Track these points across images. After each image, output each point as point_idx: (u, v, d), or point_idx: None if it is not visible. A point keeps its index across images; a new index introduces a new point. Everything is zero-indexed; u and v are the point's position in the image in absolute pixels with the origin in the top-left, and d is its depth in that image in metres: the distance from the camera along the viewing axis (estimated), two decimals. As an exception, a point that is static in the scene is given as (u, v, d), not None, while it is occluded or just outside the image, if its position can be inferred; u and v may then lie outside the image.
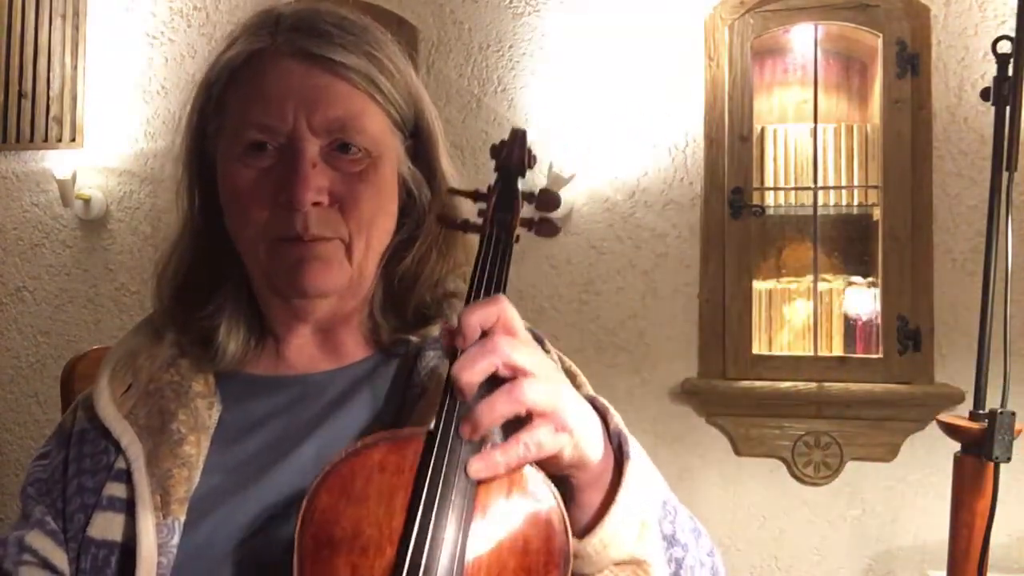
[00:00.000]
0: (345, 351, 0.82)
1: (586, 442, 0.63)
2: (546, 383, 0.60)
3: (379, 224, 0.78)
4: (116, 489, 0.72)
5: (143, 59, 3.00)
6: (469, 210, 0.78)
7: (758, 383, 2.59)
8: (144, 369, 0.79)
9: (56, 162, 2.96)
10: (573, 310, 2.71)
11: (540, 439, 0.60)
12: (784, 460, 2.61)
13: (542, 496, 0.62)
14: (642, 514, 0.67)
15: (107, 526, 0.71)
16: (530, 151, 0.77)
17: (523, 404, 0.59)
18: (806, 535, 2.60)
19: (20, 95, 3.07)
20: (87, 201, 2.96)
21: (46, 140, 3.04)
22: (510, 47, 2.79)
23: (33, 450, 3.07)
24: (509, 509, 0.61)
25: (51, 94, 3.05)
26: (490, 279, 0.67)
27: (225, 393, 0.79)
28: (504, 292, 0.67)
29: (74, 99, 3.03)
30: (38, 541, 0.73)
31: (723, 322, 2.63)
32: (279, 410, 0.78)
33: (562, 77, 2.74)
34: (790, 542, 2.61)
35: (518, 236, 0.72)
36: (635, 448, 0.69)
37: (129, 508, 0.71)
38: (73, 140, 3.02)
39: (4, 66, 3.08)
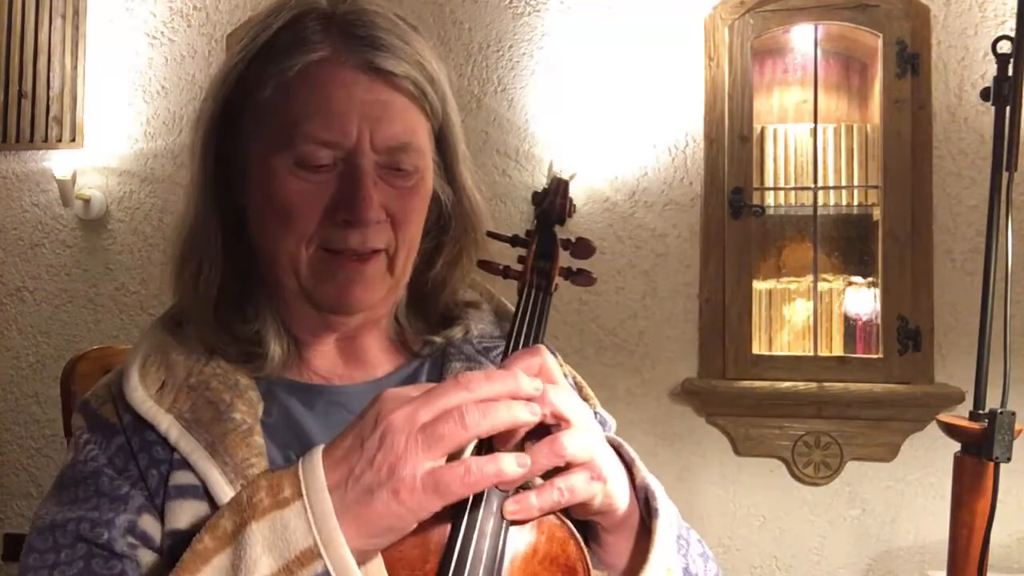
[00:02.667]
0: (368, 357, 0.82)
1: (616, 491, 0.66)
2: (585, 433, 0.63)
3: (419, 235, 0.78)
4: (183, 478, 0.70)
5: (143, 59, 3.01)
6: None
7: (758, 383, 2.59)
8: (179, 364, 0.76)
9: (56, 162, 2.96)
10: (573, 310, 2.71)
11: (574, 485, 0.62)
12: (784, 460, 2.61)
13: (568, 543, 0.64)
14: (668, 561, 0.68)
15: (184, 515, 0.68)
16: (571, 200, 0.78)
17: (564, 458, 0.61)
18: (806, 535, 2.60)
19: (20, 95, 3.07)
20: (87, 201, 2.96)
21: (46, 140, 3.05)
22: (510, 47, 2.79)
23: (33, 450, 3.07)
24: (537, 553, 0.63)
25: (51, 94, 3.06)
26: (530, 328, 0.70)
27: (263, 390, 0.77)
28: (543, 341, 0.69)
29: (74, 99, 3.04)
30: (153, 528, 0.69)
31: (723, 322, 2.63)
32: (317, 417, 0.77)
33: (562, 77, 2.74)
34: (790, 542, 2.61)
35: (556, 285, 0.74)
36: (661, 498, 0.70)
37: (208, 495, 0.68)
38: (73, 140, 3.02)
39: (4, 66, 3.09)
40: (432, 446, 0.57)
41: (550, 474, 0.63)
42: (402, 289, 0.81)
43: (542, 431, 0.63)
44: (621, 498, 0.67)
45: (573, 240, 0.76)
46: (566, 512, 0.65)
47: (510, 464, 0.58)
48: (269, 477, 0.61)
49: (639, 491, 0.71)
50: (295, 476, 0.60)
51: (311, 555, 0.57)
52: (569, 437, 0.61)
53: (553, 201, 0.77)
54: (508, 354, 0.67)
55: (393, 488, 0.56)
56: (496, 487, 0.61)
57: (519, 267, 0.75)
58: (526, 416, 0.59)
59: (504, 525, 0.61)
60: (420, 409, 0.58)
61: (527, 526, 0.63)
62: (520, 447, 0.63)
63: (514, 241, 0.78)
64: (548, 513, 0.63)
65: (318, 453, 0.61)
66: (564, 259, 0.76)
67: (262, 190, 0.74)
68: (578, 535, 0.65)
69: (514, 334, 0.69)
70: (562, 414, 0.62)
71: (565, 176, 2.57)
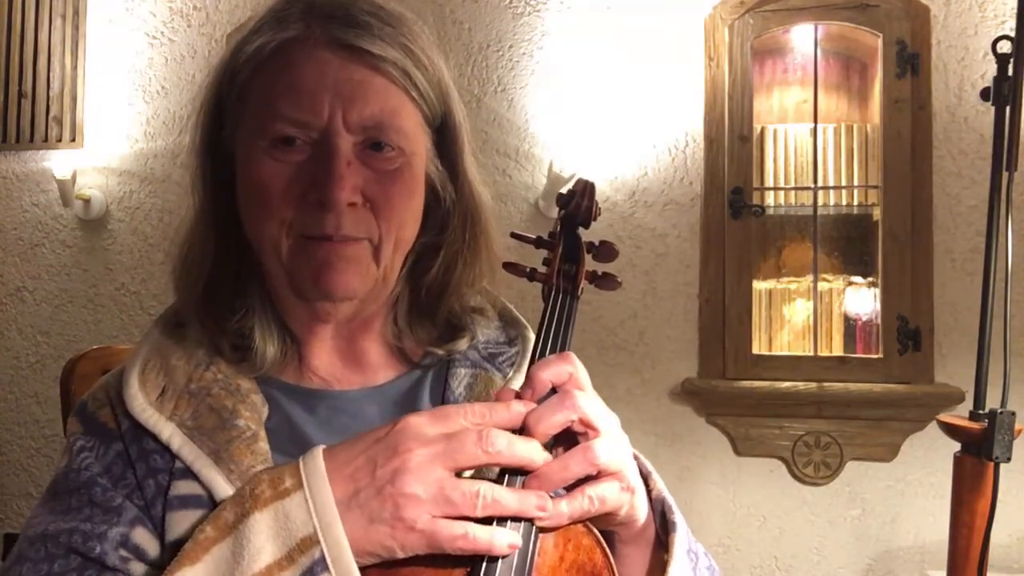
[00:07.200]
0: (367, 360, 0.81)
1: (639, 502, 0.66)
2: (615, 442, 0.63)
3: (408, 225, 0.75)
4: (185, 488, 0.69)
5: (143, 59, 3.00)
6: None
7: (758, 383, 2.59)
8: (179, 369, 0.75)
9: (56, 162, 2.96)
10: (573, 310, 2.71)
11: (605, 495, 0.62)
12: (784, 460, 2.61)
13: (595, 550, 0.64)
14: None
15: (187, 525, 0.67)
16: (597, 203, 0.77)
17: (596, 466, 0.61)
18: (806, 535, 2.60)
19: (20, 95, 3.07)
20: (87, 201, 2.96)
21: (46, 140, 3.05)
22: (510, 47, 2.79)
23: (33, 450, 3.07)
24: (564, 560, 0.63)
25: (51, 94, 3.05)
26: (557, 333, 0.69)
27: (265, 394, 0.76)
28: (571, 345, 0.69)
29: (74, 99, 3.04)
30: (146, 540, 0.68)
31: (723, 322, 2.63)
32: (319, 423, 0.76)
33: (562, 77, 2.74)
34: (790, 542, 2.61)
35: (583, 289, 0.73)
36: (677, 512, 0.71)
37: (214, 505, 0.67)
38: (73, 140, 3.02)
39: (4, 66, 3.09)
40: (440, 504, 0.58)
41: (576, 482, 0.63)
42: (392, 284, 0.79)
43: (570, 437, 0.63)
44: (642, 510, 0.67)
45: (597, 243, 0.76)
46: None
47: (502, 542, 0.58)
48: (270, 471, 0.61)
49: (655, 503, 0.71)
50: (296, 468, 0.61)
51: (310, 541, 0.58)
52: (602, 446, 0.61)
53: (579, 203, 0.76)
54: (536, 359, 0.66)
55: (392, 525, 0.58)
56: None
57: (544, 270, 0.74)
58: (533, 511, 0.60)
59: (533, 532, 0.61)
60: (440, 459, 0.59)
61: (554, 533, 0.63)
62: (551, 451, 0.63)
63: (538, 243, 0.77)
64: (577, 522, 0.63)
65: (319, 451, 0.62)
66: (588, 262, 0.75)
67: (243, 174, 0.74)
68: (604, 543, 0.64)
69: (542, 338, 0.68)
70: (591, 422, 0.62)
71: (566, 175, 2.58)
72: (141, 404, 0.72)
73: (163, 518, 0.68)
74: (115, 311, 3.01)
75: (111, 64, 3.02)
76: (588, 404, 0.62)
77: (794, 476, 2.61)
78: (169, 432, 0.71)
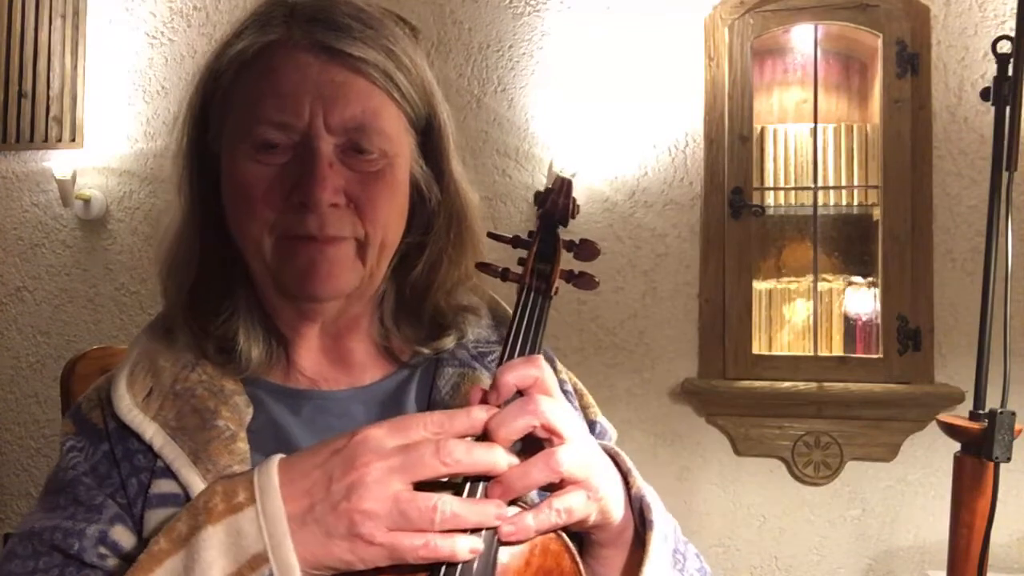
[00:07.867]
0: (354, 360, 0.80)
1: (611, 506, 0.64)
2: (581, 450, 0.62)
3: (393, 225, 0.75)
4: (165, 486, 0.69)
5: (143, 59, 3.01)
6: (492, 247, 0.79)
7: (758, 383, 2.59)
8: (166, 371, 0.76)
9: (56, 162, 2.96)
10: (573, 310, 2.72)
11: (572, 506, 0.61)
12: (784, 460, 2.61)
13: (563, 556, 0.63)
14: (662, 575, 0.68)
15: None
16: (575, 200, 0.77)
17: (559, 474, 0.60)
18: (806, 535, 2.61)
19: (20, 95, 3.07)
20: (87, 201, 2.96)
21: (46, 140, 3.04)
22: (510, 47, 2.79)
23: (33, 450, 3.06)
24: (530, 566, 0.62)
25: (51, 94, 3.05)
26: (527, 336, 0.68)
27: (250, 395, 0.77)
28: (541, 347, 0.68)
29: (74, 99, 3.04)
30: (125, 538, 0.69)
31: (723, 322, 2.63)
32: (303, 424, 0.76)
33: (562, 77, 2.74)
34: (790, 542, 2.61)
35: (557, 288, 0.72)
36: (657, 511, 0.69)
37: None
38: (73, 140, 3.02)
39: (4, 66, 3.08)
40: (396, 519, 0.57)
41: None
42: (378, 283, 0.79)
43: (537, 444, 0.62)
44: (616, 511, 0.66)
45: (577, 242, 0.74)
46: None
47: (463, 548, 0.58)
48: (225, 483, 0.61)
49: (634, 502, 0.69)
50: (250, 482, 0.60)
51: (261, 559, 0.58)
52: (566, 452, 0.60)
53: (556, 201, 0.75)
54: (504, 360, 0.65)
55: (350, 540, 0.57)
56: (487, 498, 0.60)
57: (520, 269, 0.74)
58: (492, 521, 0.59)
59: (495, 540, 0.60)
60: (397, 473, 0.58)
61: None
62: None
63: (515, 242, 0.76)
64: (544, 534, 0.62)
65: (275, 462, 0.61)
66: (567, 261, 0.74)
67: (227, 176, 0.74)
68: (573, 548, 0.63)
69: (511, 339, 0.67)
70: (555, 428, 0.60)
71: (566, 175, 2.57)
72: (128, 405, 0.73)
73: (142, 516, 0.69)
74: (115, 311, 3.01)
75: (111, 64, 3.02)
76: (551, 409, 0.60)
77: (794, 476, 2.61)
78: (152, 432, 0.71)
